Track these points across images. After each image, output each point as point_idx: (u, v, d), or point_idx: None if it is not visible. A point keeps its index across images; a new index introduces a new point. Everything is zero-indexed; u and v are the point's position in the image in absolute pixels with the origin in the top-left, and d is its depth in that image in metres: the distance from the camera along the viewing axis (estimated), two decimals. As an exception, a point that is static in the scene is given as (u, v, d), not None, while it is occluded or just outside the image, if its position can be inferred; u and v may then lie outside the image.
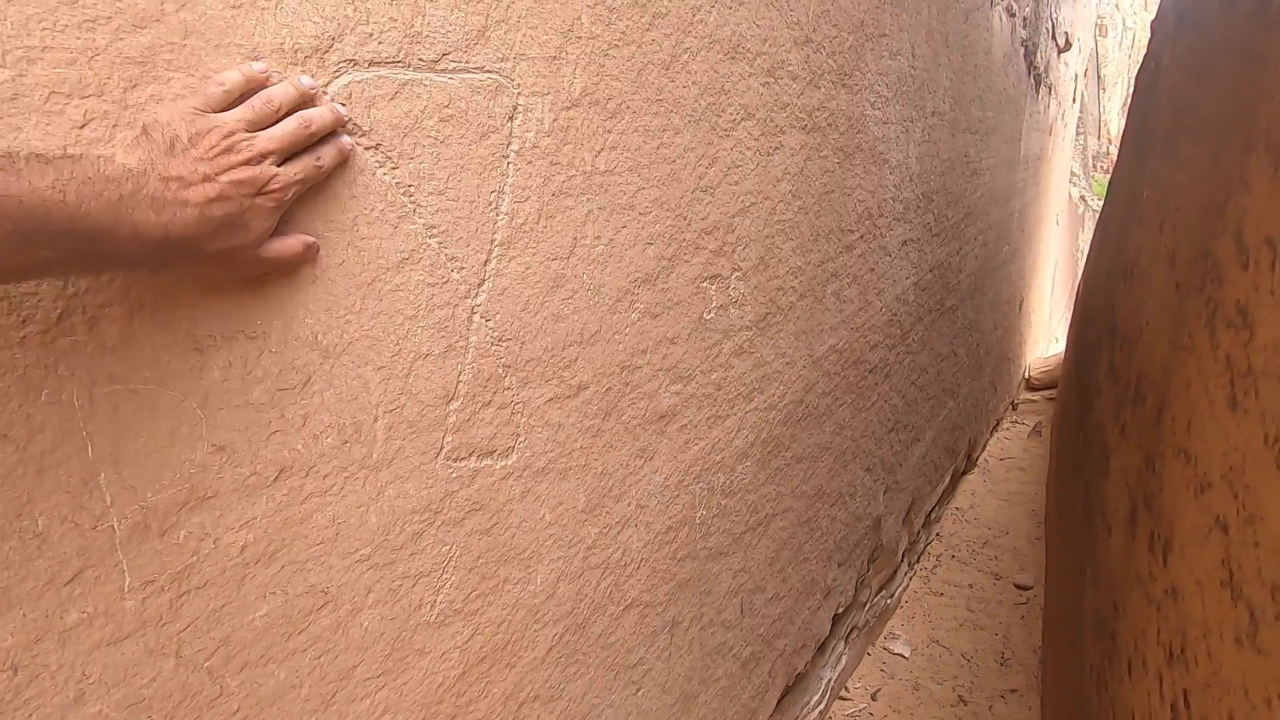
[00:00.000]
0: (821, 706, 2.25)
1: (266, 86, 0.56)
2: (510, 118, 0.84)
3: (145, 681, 0.58)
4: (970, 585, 3.12)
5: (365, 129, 0.69)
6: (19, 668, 0.51)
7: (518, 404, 0.91)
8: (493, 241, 0.84)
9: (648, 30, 1.05)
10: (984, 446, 4.51)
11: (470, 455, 0.85)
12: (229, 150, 0.50)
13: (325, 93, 0.64)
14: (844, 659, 2.42)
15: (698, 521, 1.40)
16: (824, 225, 1.74)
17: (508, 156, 0.85)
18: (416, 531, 0.80)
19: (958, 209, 2.97)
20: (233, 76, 0.54)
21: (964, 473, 4.08)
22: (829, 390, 1.92)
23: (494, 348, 0.87)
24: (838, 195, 1.80)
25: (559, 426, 0.99)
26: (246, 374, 0.62)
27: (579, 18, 0.92)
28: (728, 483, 1.48)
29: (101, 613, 0.55)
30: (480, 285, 0.84)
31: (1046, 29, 4.20)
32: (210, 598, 0.62)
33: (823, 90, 1.63)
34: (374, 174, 0.70)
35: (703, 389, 1.33)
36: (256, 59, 0.58)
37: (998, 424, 4.87)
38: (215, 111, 0.52)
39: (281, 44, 0.61)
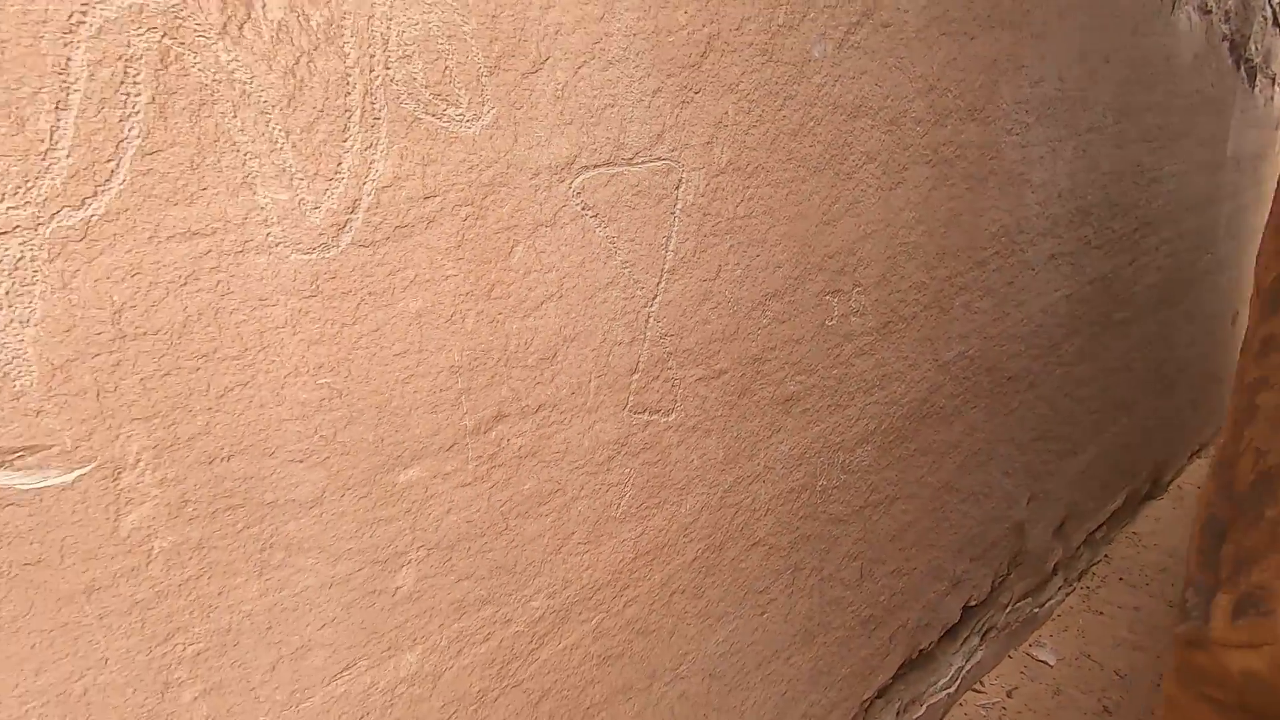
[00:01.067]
0: (951, 690, 2.41)
1: None
2: (677, 187, 1.27)
3: (474, 511, 1.08)
4: (1136, 608, 3.01)
5: (591, 205, 1.15)
6: (428, 488, 1.02)
7: (677, 379, 1.33)
8: (663, 269, 1.28)
9: (780, 110, 1.42)
10: (1179, 473, 4.15)
11: (644, 411, 1.29)
12: None
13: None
14: (979, 654, 2.54)
15: (819, 489, 1.72)
16: (951, 244, 1.97)
17: (674, 213, 1.27)
18: (610, 455, 1.25)
19: (1128, 220, 2.92)
20: None
21: (1148, 497, 3.83)
22: (958, 393, 2.12)
23: (662, 340, 1.30)
24: (967, 217, 2.01)
25: (705, 398, 1.39)
26: (526, 349, 1.10)
27: (726, 111, 1.32)
28: (848, 461, 1.78)
29: (457, 470, 1.05)
30: (654, 298, 1.27)
31: (1263, 16, 3.82)
32: (503, 473, 1.10)
33: (949, 127, 1.87)
34: (594, 231, 1.16)
35: (824, 381, 1.66)
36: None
37: (1200, 449, 4.42)
38: None
39: (550, 163, 1.09)
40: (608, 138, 1.15)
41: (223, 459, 0.83)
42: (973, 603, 2.44)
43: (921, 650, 2.25)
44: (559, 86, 1.08)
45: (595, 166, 1.15)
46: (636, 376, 1.27)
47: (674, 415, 1.35)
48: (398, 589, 1.01)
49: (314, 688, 0.95)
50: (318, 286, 0.88)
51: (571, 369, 1.17)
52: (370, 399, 0.94)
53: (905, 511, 2.03)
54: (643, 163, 1.21)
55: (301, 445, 0.89)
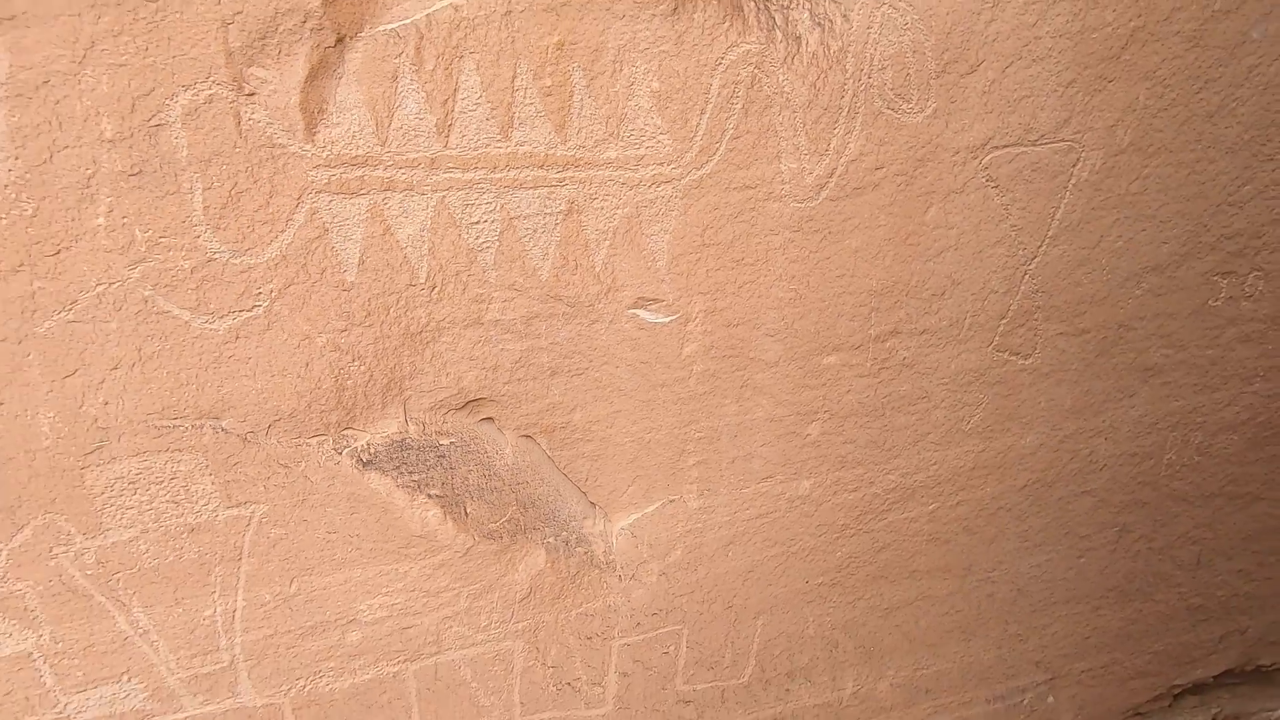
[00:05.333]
0: (1292, 725, 2.21)
1: None
2: (1074, 165, 1.47)
3: (864, 396, 1.50)
4: None
5: (994, 178, 1.44)
6: (839, 372, 1.46)
7: (1039, 330, 1.57)
8: (1045, 235, 1.51)
9: (1198, 93, 1.50)
10: None
11: (1006, 351, 1.56)
12: None
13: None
14: (1344, 705, 2.25)
15: (1165, 462, 1.78)
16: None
17: (1067, 187, 1.49)
18: (969, 380, 1.56)
19: None
20: None
21: None
22: (1375, 405, 1.90)
23: (1033, 295, 1.54)
24: None
25: (1063, 351, 1.60)
26: (923, 285, 1.46)
27: (1137, 97, 1.47)
28: (1206, 444, 1.79)
29: (859, 364, 1.47)
30: (1033, 259, 1.51)
31: None
32: (889, 373, 1.50)
33: None
34: (993, 199, 1.45)
35: (1194, 359, 1.70)
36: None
37: None
38: None
39: (968, 144, 1.40)
40: (1019, 123, 1.42)
41: (734, 325, 1.37)
42: (1347, 644, 2.17)
43: (1260, 667, 2.12)
44: (988, 84, 1.37)
45: (1004, 147, 1.43)
46: (1004, 322, 1.54)
47: (1031, 360, 1.59)
48: (807, 435, 1.49)
49: (750, 483, 1.49)
50: (799, 225, 1.35)
51: (953, 306, 1.50)
52: (816, 303, 1.40)
53: (1271, 516, 1.93)
54: (1046, 144, 1.45)
55: (773, 326, 1.39)
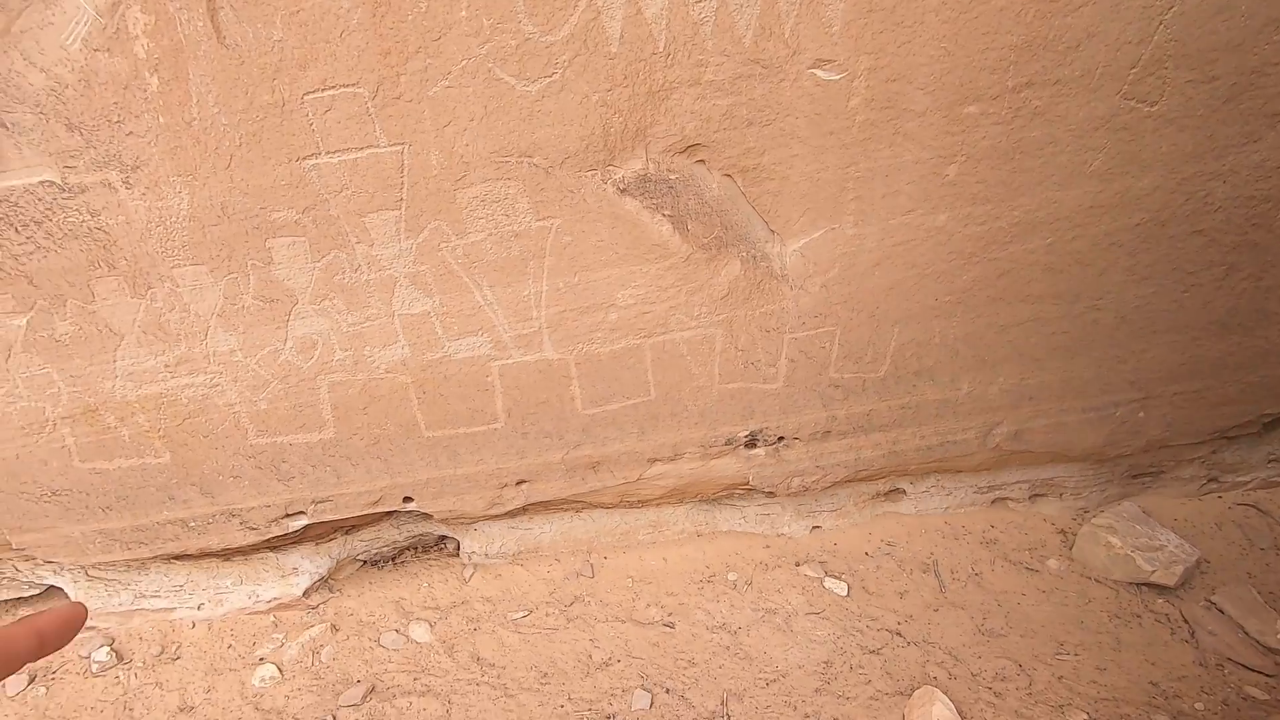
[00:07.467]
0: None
1: None
2: (1224, -89, 1.61)
3: (998, 140, 1.83)
4: None
5: (1140, -69, 1.62)
6: (977, 121, 1.80)
7: (1169, 79, 1.78)
8: None
9: None
10: None
11: (1134, 99, 1.80)
12: None
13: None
14: None
15: (1284, 205, 1.99)
16: None
17: (1214, -66, 1.64)
18: (1095, 127, 1.83)
19: None
20: None
21: None
22: None
23: (1166, 44, 1.74)
24: None
25: (1190, 98, 1.81)
26: (1060, 39, 1.72)
27: None
28: (1330, 188, 1.97)
29: (996, 112, 1.79)
30: (1170, 9, 1.71)
31: None
32: (1021, 121, 1.81)
33: None
34: (1136, -48, 1.64)
35: (1329, 103, 1.85)
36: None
37: None
38: None
39: (1117, -102, 1.58)
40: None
41: (891, 81, 1.73)
42: None
43: (1358, 404, 2.36)
44: None
45: (1153, -102, 1.59)
46: (1135, 70, 1.78)
47: (1157, 107, 1.83)
48: (946, 175, 1.87)
49: (896, 215, 1.91)
50: (954, -12, 1.64)
51: (1087, 58, 1.75)
52: (963, 59, 1.72)
53: (1392, 260, 2.09)
54: (1197, -109, 1.59)
55: (924, 80, 1.74)
